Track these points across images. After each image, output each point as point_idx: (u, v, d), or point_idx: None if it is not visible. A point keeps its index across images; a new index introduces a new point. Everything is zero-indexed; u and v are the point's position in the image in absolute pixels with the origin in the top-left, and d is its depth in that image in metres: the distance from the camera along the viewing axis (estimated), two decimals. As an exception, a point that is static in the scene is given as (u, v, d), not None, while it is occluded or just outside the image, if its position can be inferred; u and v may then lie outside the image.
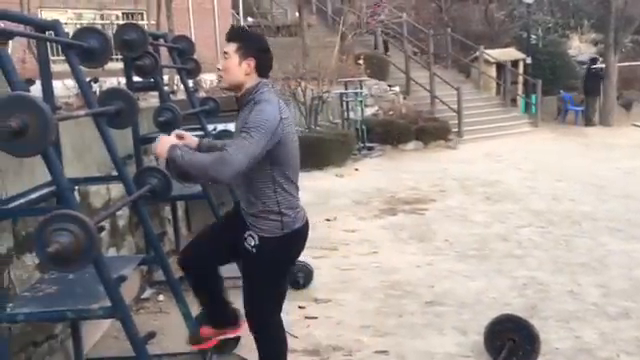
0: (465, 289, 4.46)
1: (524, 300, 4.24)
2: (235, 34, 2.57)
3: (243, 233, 2.55)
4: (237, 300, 4.07)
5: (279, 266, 2.62)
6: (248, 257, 2.57)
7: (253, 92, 2.50)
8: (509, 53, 16.01)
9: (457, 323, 3.86)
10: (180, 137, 2.67)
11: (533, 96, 14.86)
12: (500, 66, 15.26)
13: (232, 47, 2.51)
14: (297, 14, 16.39)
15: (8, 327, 2.33)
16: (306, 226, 2.66)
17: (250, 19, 17.84)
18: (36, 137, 2.01)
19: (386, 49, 16.31)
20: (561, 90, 15.86)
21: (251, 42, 2.54)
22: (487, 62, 15.38)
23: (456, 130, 12.65)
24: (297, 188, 2.63)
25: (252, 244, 2.53)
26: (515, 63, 15.54)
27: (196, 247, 2.81)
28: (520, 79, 15.60)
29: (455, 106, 12.89)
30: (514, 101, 15.30)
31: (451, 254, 5.36)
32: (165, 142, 2.37)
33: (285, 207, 2.52)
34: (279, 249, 2.54)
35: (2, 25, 2.12)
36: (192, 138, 2.72)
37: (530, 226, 6.24)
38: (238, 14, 16.51)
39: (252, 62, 2.50)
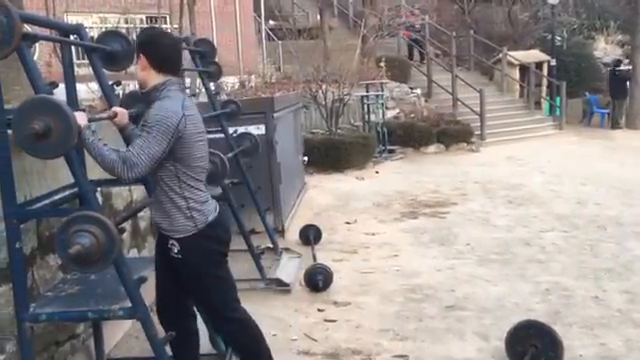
0: (487, 294, 4.40)
1: (547, 306, 4.17)
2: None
3: (167, 246, 2.54)
4: (255, 303, 4.09)
5: (210, 260, 2.59)
6: (179, 264, 2.56)
7: (160, 89, 2.47)
8: (533, 55, 15.80)
9: (478, 328, 3.81)
10: (115, 114, 2.60)
11: (557, 98, 14.63)
12: (524, 68, 15.06)
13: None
14: (318, 17, 16.43)
15: (31, 326, 2.36)
16: (220, 215, 2.64)
17: (272, 22, 17.93)
18: (59, 140, 2.04)
19: (410, 55, 16.07)
20: (586, 92, 15.59)
21: (139, 38, 2.57)
22: (510, 64, 15.19)
23: (478, 133, 12.52)
24: (205, 185, 2.61)
25: (176, 251, 2.52)
26: (539, 65, 15.32)
27: (160, 297, 2.74)
28: (544, 81, 15.37)
29: (478, 109, 12.77)
30: (538, 104, 15.08)
31: (472, 258, 5.30)
32: (79, 119, 2.26)
33: (193, 202, 2.50)
34: (202, 245, 2.53)
35: (28, 29, 2.16)
36: (125, 118, 2.63)
37: (554, 230, 6.14)
38: (260, 17, 16.59)
39: (142, 57, 2.49)
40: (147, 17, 12.50)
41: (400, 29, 15.93)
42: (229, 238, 2.72)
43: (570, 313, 4.02)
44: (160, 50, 2.50)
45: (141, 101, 2.77)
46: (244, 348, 2.76)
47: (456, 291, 4.46)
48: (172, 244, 2.52)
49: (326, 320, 3.98)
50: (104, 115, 2.64)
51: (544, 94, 15.33)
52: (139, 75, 2.51)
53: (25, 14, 2.28)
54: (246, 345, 2.74)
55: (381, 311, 4.13)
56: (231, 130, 4.77)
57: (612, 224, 6.30)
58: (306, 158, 8.29)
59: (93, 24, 11.56)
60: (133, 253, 3.79)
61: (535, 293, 4.41)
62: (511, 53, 15.23)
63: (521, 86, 15.23)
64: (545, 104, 15.22)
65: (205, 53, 4.67)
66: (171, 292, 2.68)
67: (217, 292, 2.63)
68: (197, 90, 7.84)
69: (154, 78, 2.49)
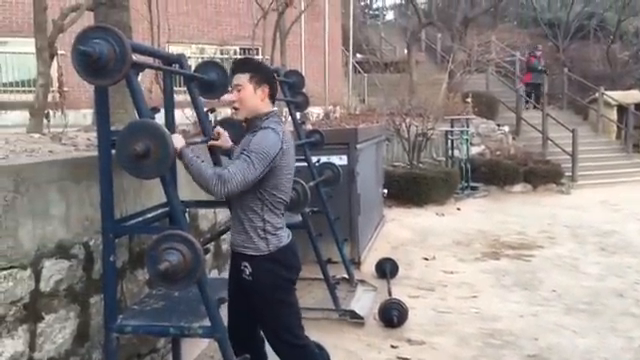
0: (573, 346, 4.13)
1: (641, 365, 3.85)
2: (245, 65, 2.66)
3: (240, 268, 2.63)
4: (328, 332, 4.08)
5: (279, 285, 2.64)
6: (249, 287, 2.63)
7: (263, 118, 2.60)
8: (632, 95, 14.97)
9: (562, 382, 3.57)
10: (218, 135, 2.78)
11: (659, 142, 13.72)
12: (622, 109, 14.29)
13: (244, 77, 2.60)
14: (406, 51, 16.51)
15: (117, 337, 2.48)
16: (292, 243, 2.71)
17: (359, 55, 18.23)
18: (157, 162, 2.17)
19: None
20: (692, 137, 14.50)
21: (263, 70, 2.68)
22: (607, 104, 14.47)
23: (569, 174, 11.93)
24: (283, 213, 2.70)
25: (247, 272, 2.61)
26: (639, 106, 14.47)
27: (231, 320, 2.78)
28: (644, 123, 14.49)
29: (569, 149, 12.21)
30: (637, 146, 14.19)
31: (559, 306, 5.00)
32: (178, 141, 2.40)
33: (270, 225, 2.60)
34: (272, 267, 2.60)
35: (135, 58, 2.33)
36: (227, 141, 2.82)
37: (651, 283, 5.69)
38: (347, 50, 16.92)
39: (267, 89, 2.62)
40: (241, 49, 13.11)
41: (490, 65, 15.63)
42: (299, 266, 2.79)
43: (668, 375, 3.68)
44: (276, 84, 2.71)
45: (233, 127, 2.90)
46: None
47: (539, 340, 4.22)
48: (245, 266, 2.62)
49: (399, 358, 3.89)
50: (198, 140, 2.79)
51: (644, 137, 14.43)
52: (256, 106, 2.62)
53: (135, 44, 2.46)
54: None
55: (457, 354, 3.98)
56: (314, 159, 4.86)
57: None
58: (386, 191, 8.25)
59: (192, 54, 12.28)
60: (214, 274, 3.90)
61: (627, 349, 4.08)
62: (608, 93, 14.53)
63: (618, 128, 14.45)
64: (644, 147, 14.30)
65: (294, 84, 4.81)
66: (242, 316, 2.75)
67: (283, 317, 2.69)
68: (283, 119, 8.07)
69: (266, 107, 2.64)
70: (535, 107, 14.49)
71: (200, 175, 2.40)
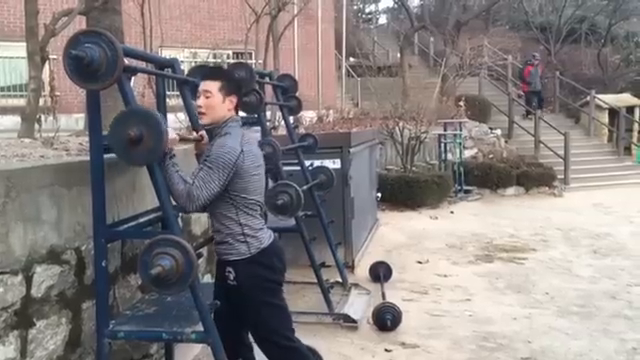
0: (566, 348, 4.14)
1: (634, 367, 3.86)
2: (217, 73, 2.69)
3: (224, 274, 2.64)
4: (322, 337, 4.07)
5: (265, 287, 2.66)
6: (235, 292, 2.63)
7: (222, 125, 2.61)
8: (624, 99, 15.08)
9: (556, 385, 3.58)
10: (202, 137, 2.77)
11: (650, 145, 13.81)
12: (613, 112, 14.40)
13: (214, 85, 2.60)
14: (399, 55, 16.56)
15: (109, 342, 2.47)
16: (274, 243, 2.71)
17: (352, 59, 18.27)
18: (148, 150, 2.17)
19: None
20: (683, 140, 14.62)
21: (233, 81, 2.70)
22: (599, 107, 14.56)
23: (562, 177, 11.99)
24: (261, 214, 2.70)
25: (232, 278, 2.62)
26: (630, 109, 14.59)
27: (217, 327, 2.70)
28: (635, 126, 14.59)
29: (561, 152, 12.27)
30: (628, 149, 14.30)
31: (552, 309, 5.02)
32: (172, 142, 2.40)
33: (248, 228, 2.61)
34: (255, 269, 2.61)
35: (126, 62, 2.32)
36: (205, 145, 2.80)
37: (643, 285, 5.72)
38: (340, 54, 16.95)
39: (235, 99, 2.64)
40: (234, 52, 13.07)
41: (482, 68, 15.70)
42: (284, 267, 2.79)
43: (660, 377, 3.70)
44: (242, 96, 2.78)
45: None
46: None
47: (533, 342, 4.23)
48: (229, 271, 2.63)
49: (393, 361, 3.89)
50: (191, 137, 2.79)
51: (635, 140, 14.53)
52: (223, 115, 2.62)
53: (127, 48, 2.46)
54: None
55: (450, 357, 3.98)
56: (307, 163, 4.86)
57: None
58: (379, 194, 8.26)
59: (185, 58, 12.24)
60: (207, 278, 3.89)
61: (620, 351, 4.10)
62: (600, 96, 14.62)
63: (610, 131, 14.54)
64: (636, 151, 14.39)
65: (287, 88, 4.82)
66: (228, 322, 2.73)
67: (272, 320, 2.69)
68: (277, 123, 8.06)
69: (229, 115, 2.65)
70: (530, 112, 14.48)
71: (172, 186, 2.42)
